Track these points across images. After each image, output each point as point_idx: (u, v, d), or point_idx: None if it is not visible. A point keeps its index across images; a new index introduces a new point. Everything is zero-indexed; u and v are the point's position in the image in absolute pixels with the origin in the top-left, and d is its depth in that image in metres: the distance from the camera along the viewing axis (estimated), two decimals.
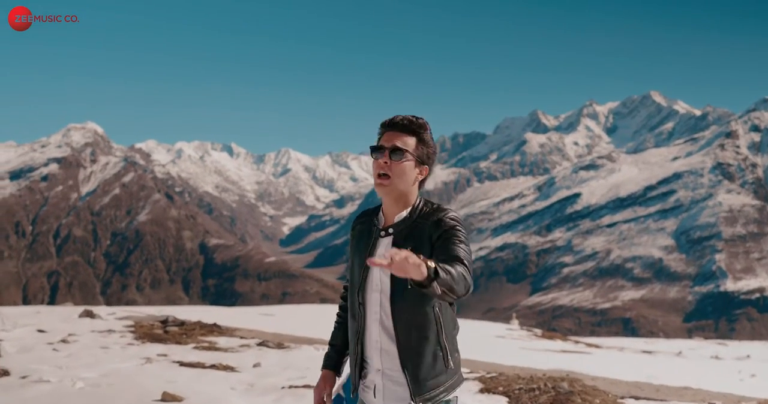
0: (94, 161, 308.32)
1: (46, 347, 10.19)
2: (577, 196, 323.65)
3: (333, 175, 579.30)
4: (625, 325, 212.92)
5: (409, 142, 2.76)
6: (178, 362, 9.20)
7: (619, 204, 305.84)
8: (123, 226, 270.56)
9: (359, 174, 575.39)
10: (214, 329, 13.39)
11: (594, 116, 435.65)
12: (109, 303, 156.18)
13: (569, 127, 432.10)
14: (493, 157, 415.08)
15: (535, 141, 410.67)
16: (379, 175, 2.75)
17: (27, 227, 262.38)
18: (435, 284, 2.32)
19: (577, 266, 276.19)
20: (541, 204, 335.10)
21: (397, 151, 2.73)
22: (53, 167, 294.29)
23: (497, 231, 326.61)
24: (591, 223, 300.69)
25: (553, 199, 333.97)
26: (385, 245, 2.79)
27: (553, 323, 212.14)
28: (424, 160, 2.81)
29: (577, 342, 24.73)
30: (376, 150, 2.77)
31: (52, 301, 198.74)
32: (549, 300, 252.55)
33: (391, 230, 2.79)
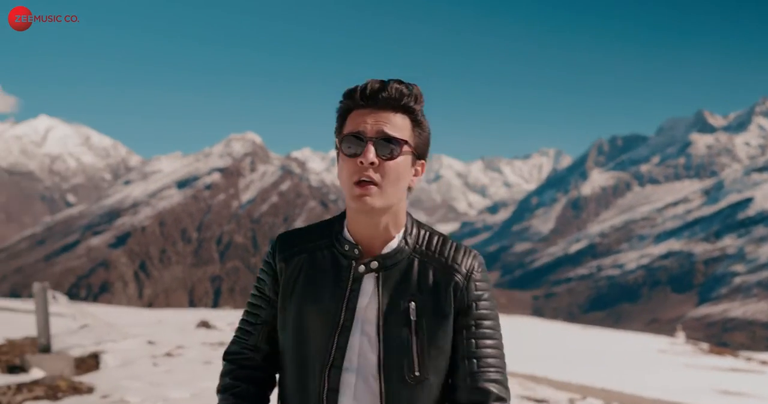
0: (253, 170, 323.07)
1: (147, 361, 9.86)
2: (749, 200, 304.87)
3: (485, 181, 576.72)
4: None
5: (402, 125, 1.68)
6: None
7: None
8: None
9: (512, 179, 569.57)
10: None
11: None
12: None
13: (739, 126, 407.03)
14: (655, 159, 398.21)
15: (701, 142, 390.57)
16: (360, 182, 1.65)
17: (192, 234, 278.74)
18: None
19: (750, 275, 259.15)
20: (708, 210, 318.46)
21: (388, 142, 1.65)
22: (216, 176, 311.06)
23: (660, 237, 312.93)
24: (766, 230, 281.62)
25: (723, 203, 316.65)
26: (370, 289, 1.72)
27: (723, 337, 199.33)
28: (421, 153, 1.75)
29: (749, 359, 23.51)
30: (350, 140, 1.66)
31: (215, 305, 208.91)
32: (719, 312, 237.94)
33: (374, 265, 1.71)
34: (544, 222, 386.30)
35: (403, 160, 1.66)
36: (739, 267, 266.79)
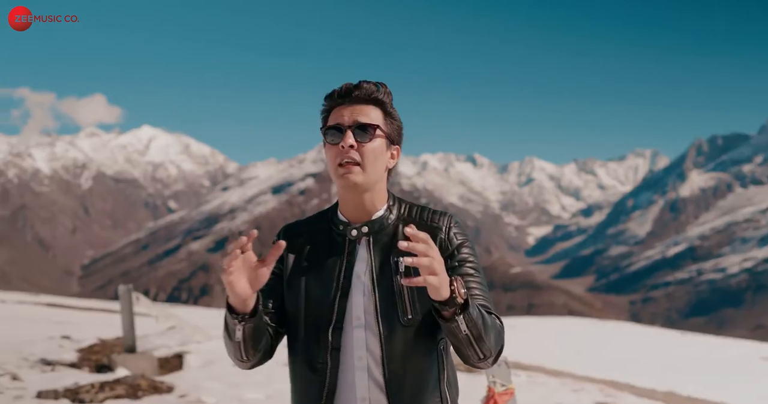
0: None
1: (228, 362, 10.06)
2: None
3: (579, 183, 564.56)
4: None
5: (374, 115, 2.03)
6: None
7: None
8: None
9: (607, 181, 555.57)
10: None
11: None
12: None
13: None
14: (758, 159, 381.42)
15: None
16: (342, 164, 1.98)
17: None
18: (461, 319, 1.76)
19: None
20: None
21: (364, 128, 2.00)
22: (309, 182, 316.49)
23: (765, 240, 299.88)
24: None
25: None
26: (364, 254, 2.02)
27: None
28: (394, 139, 2.10)
29: None
30: (332, 131, 2.01)
31: None
32: None
33: (365, 229, 2.04)
34: (640, 225, 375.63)
35: (379, 144, 2.01)
36: None
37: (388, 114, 2.06)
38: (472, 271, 2.00)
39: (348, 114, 2.00)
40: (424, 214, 2.08)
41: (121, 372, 8.45)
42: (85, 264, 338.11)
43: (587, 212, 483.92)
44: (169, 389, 7.89)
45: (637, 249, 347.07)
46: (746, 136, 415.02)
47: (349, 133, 1.97)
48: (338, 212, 2.08)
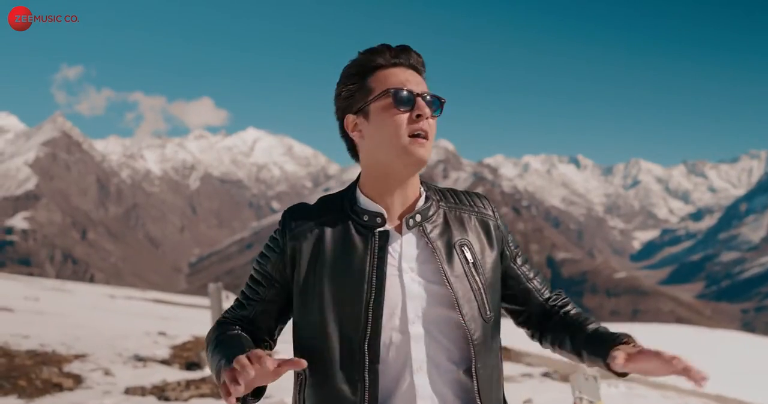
0: (446, 177, 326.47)
1: None
2: None
3: (688, 186, 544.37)
4: None
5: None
6: None
7: None
8: None
9: (718, 184, 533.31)
10: None
11: None
12: None
13: None
14: None
15: None
16: (415, 135, 1.65)
17: None
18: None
19: None
20: None
21: (436, 102, 1.71)
22: None
23: None
24: None
25: None
26: (413, 245, 1.70)
27: None
28: None
29: None
30: (402, 94, 1.65)
31: None
32: None
33: (418, 218, 1.71)
34: (754, 230, 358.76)
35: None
36: None
37: None
38: (522, 254, 1.88)
39: (414, 81, 1.69)
40: (463, 197, 1.85)
41: (208, 371, 8.47)
42: (192, 262, 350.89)
43: (697, 216, 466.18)
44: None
45: (750, 255, 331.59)
46: None
47: (422, 103, 1.67)
48: (359, 200, 1.75)
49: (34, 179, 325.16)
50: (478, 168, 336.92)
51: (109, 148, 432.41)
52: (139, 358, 9.15)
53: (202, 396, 7.19)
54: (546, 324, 1.84)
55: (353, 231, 1.69)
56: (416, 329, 1.63)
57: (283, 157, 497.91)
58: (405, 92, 1.65)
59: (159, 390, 7.20)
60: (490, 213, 1.83)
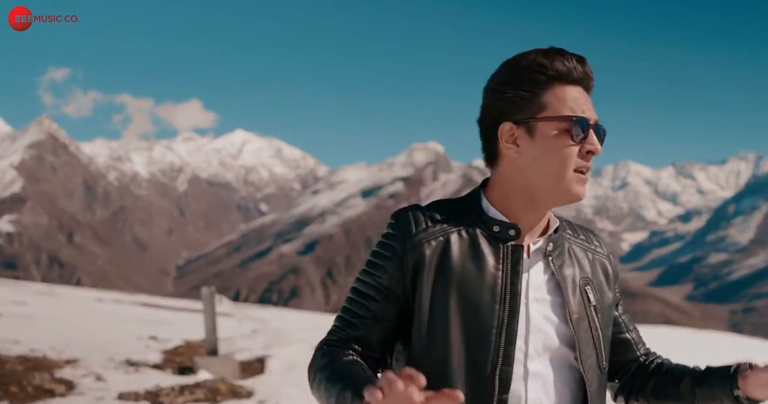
0: (435, 179, 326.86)
1: None
2: None
3: (677, 188, 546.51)
4: None
5: None
6: None
7: None
8: None
9: (706, 186, 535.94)
10: None
11: None
12: None
13: None
14: None
15: None
16: (583, 171, 1.51)
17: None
18: None
19: None
20: None
21: (603, 133, 1.55)
22: (399, 185, 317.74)
23: None
24: None
25: None
26: (540, 272, 1.55)
27: None
28: None
29: None
30: (581, 125, 1.49)
31: None
32: None
33: (550, 246, 1.56)
34: (742, 232, 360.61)
35: None
36: None
37: None
38: (621, 301, 1.72)
39: (588, 106, 1.52)
40: (582, 232, 1.70)
41: (202, 375, 8.41)
42: (179, 265, 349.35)
43: (685, 218, 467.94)
44: (249, 394, 7.81)
45: (738, 257, 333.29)
46: None
47: (593, 135, 1.51)
48: (488, 206, 1.57)
49: (19, 182, 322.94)
50: (467, 170, 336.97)
51: (96, 151, 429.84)
52: (131, 363, 9.05)
53: (197, 401, 7.13)
54: (641, 378, 1.67)
55: (482, 240, 1.52)
56: (536, 366, 1.49)
57: (271, 160, 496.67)
58: (585, 124, 1.49)
59: (153, 396, 7.13)
60: (606, 253, 1.69)
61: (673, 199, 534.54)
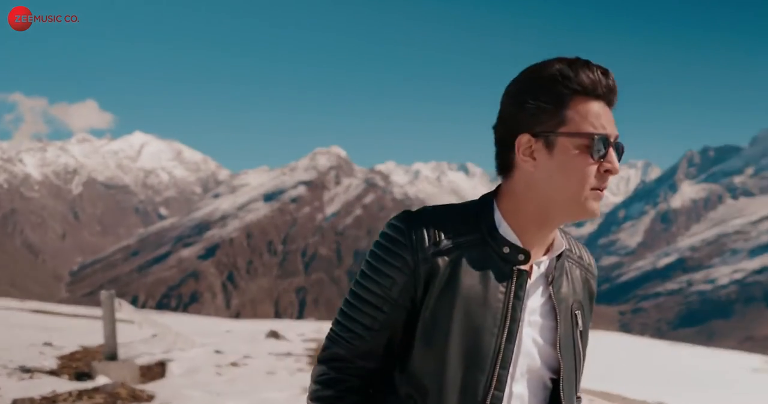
0: (337, 183, 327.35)
1: (212, 370, 9.91)
2: None
3: None
4: None
5: None
6: None
7: None
8: (364, 246, 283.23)
9: None
10: None
11: None
12: None
13: None
14: (750, 171, 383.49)
15: None
16: (600, 189, 1.48)
17: (278, 246, 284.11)
18: None
19: None
20: None
21: (621, 151, 1.51)
22: (301, 189, 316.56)
23: (755, 252, 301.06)
24: None
25: None
26: (538, 295, 1.53)
27: None
28: None
29: None
30: (602, 142, 1.45)
31: (300, 316, 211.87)
32: None
33: (549, 269, 1.55)
34: (631, 236, 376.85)
35: None
36: None
37: None
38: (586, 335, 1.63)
39: (610, 123, 1.47)
40: (577, 248, 1.69)
41: (101, 380, 8.26)
42: (73, 270, 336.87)
43: (579, 223, 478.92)
44: (150, 397, 7.73)
45: (627, 260, 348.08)
46: (738, 148, 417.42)
47: (612, 153, 1.47)
48: (500, 225, 1.52)
49: None
50: (369, 174, 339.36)
51: None
52: (26, 369, 8.79)
53: None
54: None
55: (492, 261, 1.49)
56: (519, 388, 1.50)
57: (171, 162, 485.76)
58: (606, 141, 1.44)
59: (49, 401, 6.98)
60: (594, 273, 1.68)
61: None
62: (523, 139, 1.45)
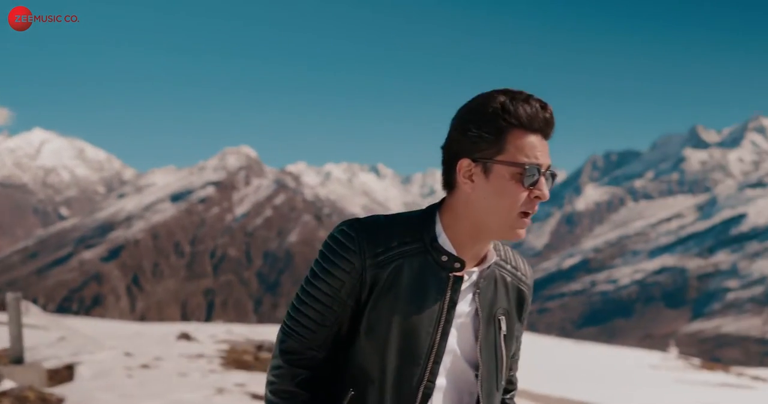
0: (247, 184, 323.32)
1: (122, 372, 9.74)
2: (742, 216, 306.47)
3: None
4: None
5: None
6: (251, 394, 8.52)
7: None
8: (274, 247, 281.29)
9: None
10: None
11: (761, 130, 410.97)
12: (261, 322, 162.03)
13: (733, 142, 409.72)
14: (650, 175, 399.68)
15: (694, 158, 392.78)
16: (527, 213, 1.67)
17: (186, 247, 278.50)
18: None
19: (743, 291, 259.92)
20: (702, 225, 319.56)
21: (552, 179, 1.72)
22: (210, 190, 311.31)
23: (654, 253, 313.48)
24: (759, 245, 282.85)
25: (716, 219, 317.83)
26: (471, 302, 1.75)
27: (716, 352, 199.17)
28: None
29: (740, 374, 23.51)
30: (533, 171, 1.65)
31: (208, 318, 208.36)
32: (712, 328, 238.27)
33: (476, 278, 1.75)
34: (538, 238, 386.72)
35: None
36: (732, 283, 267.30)
37: None
38: (521, 339, 1.89)
39: (543, 153, 1.67)
40: (511, 257, 1.86)
41: (6, 384, 8.04)
42: None
43: None
44: (59, 400, 7.60)
45: (534, 261, 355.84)
46: (638, 152, 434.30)
47: (543, 181, 1.67)
48: (439, 236, 1.73)
49: None
50: (280, 175, 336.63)
51: None
52: None
53: None
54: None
55: (431, 268, 1.69)
56: (441, 381, 1.71)
57: (73, 161, 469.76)
58: (536, 171, 1.63)
59: None
60: (529, 283, 1.86)
61: None
62: (464, 163, 1.65)
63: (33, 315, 10.35)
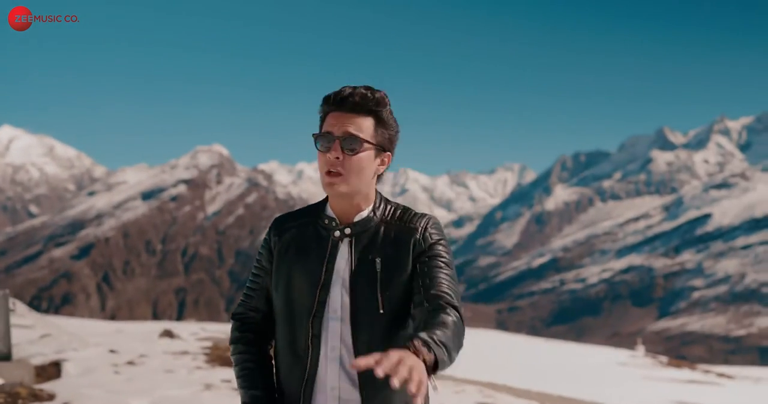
0: (219, 182, 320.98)
1: (109, 369, 9.84)
2: (707, 216, 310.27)
3: (451, 195, 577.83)
4: (763, 354, 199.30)
5: (365, 126, 2.08)
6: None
7: (755, 225, 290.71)
8: (246, 245, 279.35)
9: (477, 194, 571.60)
10: None
11: (726, 132, 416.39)
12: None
13: (699, 144, 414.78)
14: (617, 176, 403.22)
15: (661, 159, 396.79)
16: (329, 173, 2.08)
17: (157, 245, 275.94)
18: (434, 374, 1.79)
19: (708, 290, 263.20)
20: (668, 225, 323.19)
21: (351, 140, 2.06)
22: (181, 188, 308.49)
23: (621, 252, 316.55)
24: (723, 245, 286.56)
25: (682, 219, 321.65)
26: (345, 252, 2.15)
27: (682, 350, 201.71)
28: (386, 146, 2.15)
29: (707, 371, 23.70)
30: (322, 138, 2.09)
31: (179, 317, 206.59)
32: (678, 326, 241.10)
33: (348, 230, 2.15)
34: (508, 237, 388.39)
35: (366, 155, 2.08)
36: (697, 282, 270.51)
37: (380, 122, 2.10)
38: (442, 265, 2.09)
39: (339, 123, 2.06)
40: (405, 216, 2.17)
41: None
42: None
43: (458, 223, 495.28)
44: (50, 397, 7.67)
45: (504, 260, 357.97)
46: (607, 153, 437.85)
47: (337, 144, 2.05)
48: (327, 207, 2.20)
49: None
50: (252, 174, 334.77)
51: None
52: None
53: None
54: (416, 321, 2.07)
55: (317, 232, 2.18)
56: (332, 323, 2.12)
57: (43, 158, 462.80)
58: (324, 136, 2.08)
59: None
60: (417, 228, 2.14)
61: (448, 206, 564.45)
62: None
63: (18, 312, 10.37)
